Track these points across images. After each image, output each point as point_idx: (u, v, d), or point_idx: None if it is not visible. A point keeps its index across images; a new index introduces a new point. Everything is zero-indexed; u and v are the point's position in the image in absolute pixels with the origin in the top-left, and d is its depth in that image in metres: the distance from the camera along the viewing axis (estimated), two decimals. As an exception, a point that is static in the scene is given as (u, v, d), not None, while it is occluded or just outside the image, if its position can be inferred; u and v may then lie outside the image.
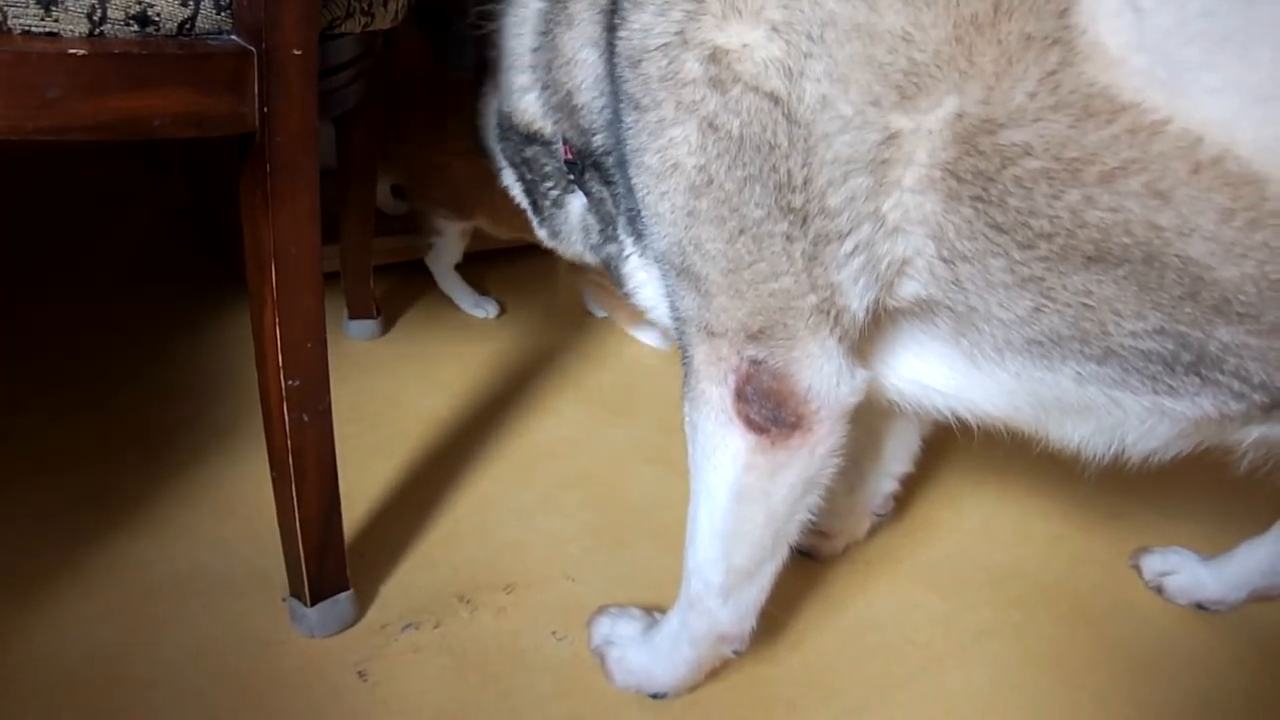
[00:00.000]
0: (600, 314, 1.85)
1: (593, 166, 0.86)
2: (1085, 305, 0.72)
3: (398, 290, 1.84)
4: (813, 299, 0.76)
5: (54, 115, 0.70)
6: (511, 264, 1.97)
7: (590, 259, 0.95)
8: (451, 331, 1.72)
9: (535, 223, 0.99)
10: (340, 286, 1.64)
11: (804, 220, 0.73)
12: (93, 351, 1.52)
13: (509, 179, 0.99)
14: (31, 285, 1.72)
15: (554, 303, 1.90)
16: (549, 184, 0.93)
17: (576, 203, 0.91)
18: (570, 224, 0.93)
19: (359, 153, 1.54)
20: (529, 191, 0.97)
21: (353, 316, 1.66)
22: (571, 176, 0.89)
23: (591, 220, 0.90)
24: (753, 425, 0.82)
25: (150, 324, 1.62)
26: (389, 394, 1.51)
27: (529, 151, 0.92)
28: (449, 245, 1.77)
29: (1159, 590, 1.23)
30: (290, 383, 0.90)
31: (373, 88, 1.45)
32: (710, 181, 0.74)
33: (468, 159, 1.61)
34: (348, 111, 1.48)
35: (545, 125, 0.90)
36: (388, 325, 1.71)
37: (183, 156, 2.10)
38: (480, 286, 1.83)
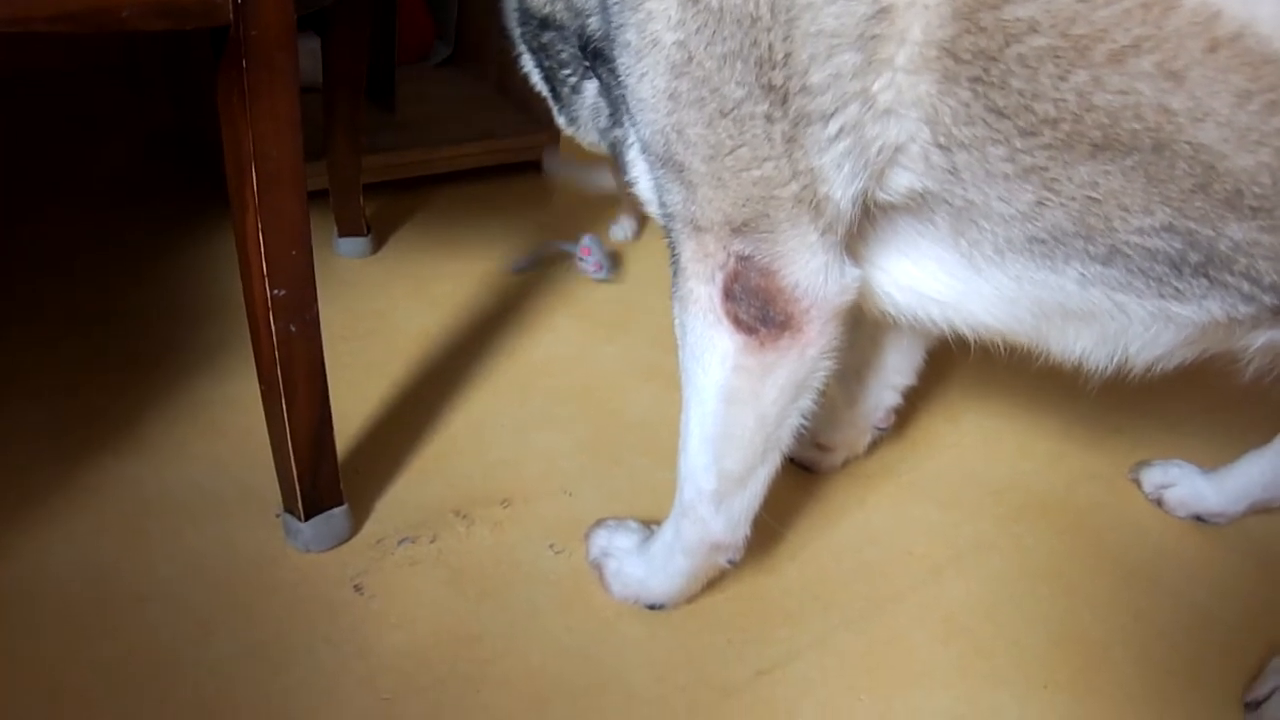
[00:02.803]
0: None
1: (594, 54, 0.83)
2: (1091, 199, 0.69)
3: (389, 208, 1.81)
4: (793, 187, 0.73)
5: (14, 5, 0.67)
6: (506, 182, 1.93)
7: (601, 144, 0.92)
8: (444, 249, 1.69)
9: (555, 110, 0.96)
10: (329, 204, 1.60)
11: (784, 99, 0.69)
12: (80, 273, 1.49)
13: (528, 64, 0.95)
14: (17, 209, 1.68)
15: (548, 221, 1.86)
16: (566, 70, 0.89)
17: (591, 87, 0.88)
18: (585, 109, 0.90)
19: (345, 66, 1.49)
20: (548, 78, 0.93)
21: (343, 234, 1.62)
22: (587, 63, 0.85)
23: (602, 103, 0.87)
24: (741, 325, 0.80)
25: (137, 247, 1.58)
26: (381, 312, 1.48)
27: (545, 37, 0.88)
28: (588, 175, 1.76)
29: (1159, 503, 1.22)
30: (276, 292, 0.87)
31: (357, -6, 1.40)
32: (689, 59, 0.71)
33: None
34: (332, 24, 1.44)
35: (551, 8, 0.86)
36: (379, 243, 1.68)
37: (166, 79, 2.04)
38: (476, 206, 1.79)
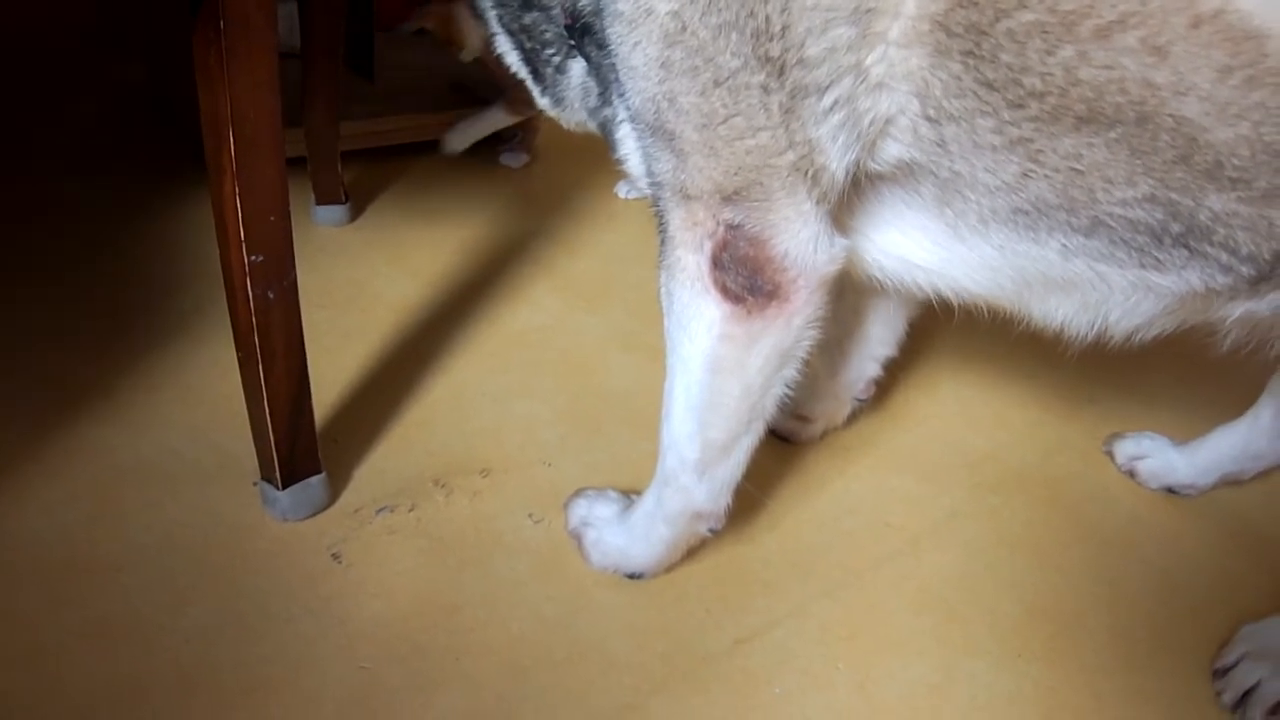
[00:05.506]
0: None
1: (584, 30, 0.82)
2: (1075, 170, 0.71)
3: (367, 176, 1.79)
4: (790, 156, 0.73)
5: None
6: (486, 151, 1.91)
7: (590, 124, 0.91)
8: (423, 218, 1.68)
9: (536, 91, 0.95)
10: (307, 172, 1.58)
11: (781, 70, 0.70)
12: (52, 234, 1.47)
13: (504, 46, 0.94)
14: (-16, 169, 1.66)
15: (527, 191, 1.85)
16: (550, 50, 0.89)
17: (577, 67, 0.87)
18: (572, 89, 0.90)
19: (322, 31, 1.47)
20: (528, 60, 0.92)
21: (320, 202, 1.61)
22: (572, 41, 0.85)
23: (591, 83, 0.86)
24: (729, 294, 0.80)
25: (110, 210, 1.56)
26: (359, 280, 1.47)
27: (527, 18, 0.88)
28: (487, 122, 1.80)
29: (1131, 474, 1.24)
30: (253, 258, 0.86)
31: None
32: (684, 29, 0.70)
33: None
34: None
35: None
36: (357, 211, 1.66)
37: (141, 37, 2.01)
38: (455, 175, 1.78)
